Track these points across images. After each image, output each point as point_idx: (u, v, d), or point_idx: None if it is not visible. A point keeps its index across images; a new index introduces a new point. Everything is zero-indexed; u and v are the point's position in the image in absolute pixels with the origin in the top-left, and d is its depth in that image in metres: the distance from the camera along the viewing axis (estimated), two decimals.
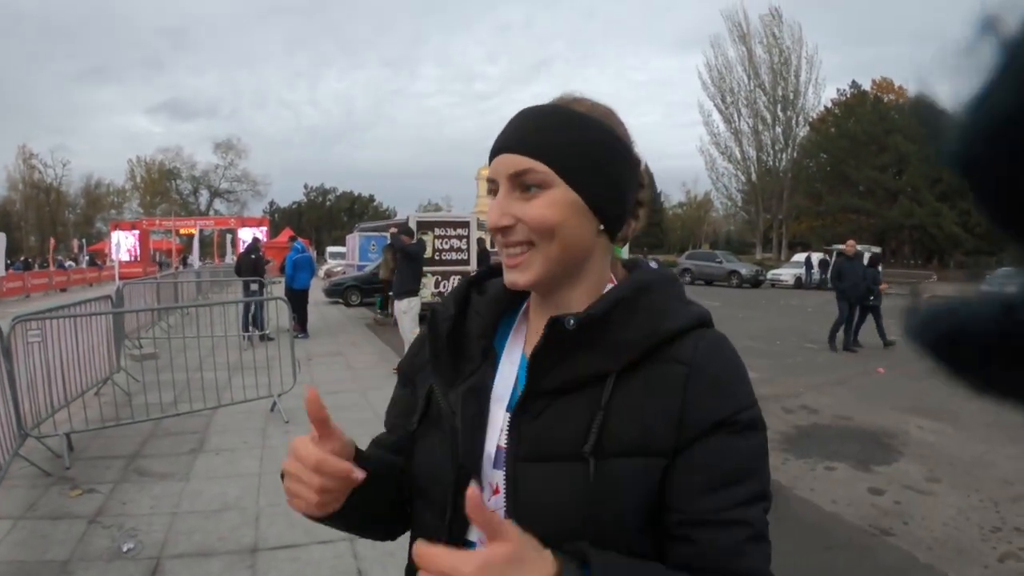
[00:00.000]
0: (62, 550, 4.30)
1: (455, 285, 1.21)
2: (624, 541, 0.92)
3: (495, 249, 1.07)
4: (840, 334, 13.84)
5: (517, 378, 1.06)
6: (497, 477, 1.01)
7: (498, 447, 1.02)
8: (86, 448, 6.29)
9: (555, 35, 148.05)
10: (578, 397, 0.97)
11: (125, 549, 4.29)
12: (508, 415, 1.02)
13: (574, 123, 0.99)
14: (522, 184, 0.98)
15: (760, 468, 0.96)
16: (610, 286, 1.06)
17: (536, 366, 0.99)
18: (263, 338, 10.84)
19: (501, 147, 1.00)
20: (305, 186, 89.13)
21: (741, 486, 0.92)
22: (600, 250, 1.04)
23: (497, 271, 1.14)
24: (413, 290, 10.30)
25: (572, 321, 0.96)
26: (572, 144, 0.98)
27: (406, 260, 10.48)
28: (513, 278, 1.01)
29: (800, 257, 39.87)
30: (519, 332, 1.13)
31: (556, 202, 0.97)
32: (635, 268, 1.11)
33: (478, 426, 1.04)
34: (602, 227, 1.02)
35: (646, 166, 1.08)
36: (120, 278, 25.34)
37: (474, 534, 1.01)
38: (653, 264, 1.15)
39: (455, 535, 1.01)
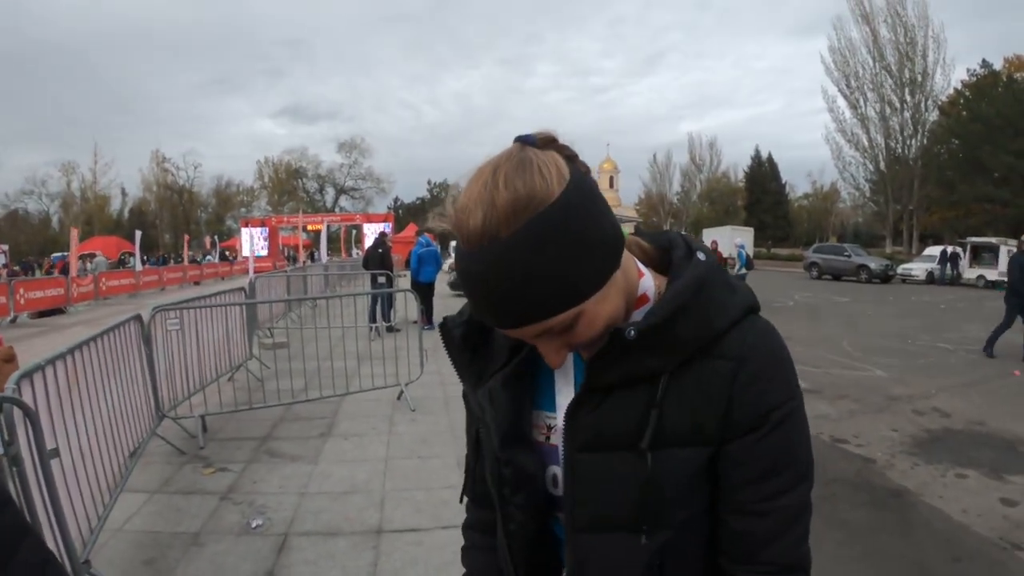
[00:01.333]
0: (194, 523, 4.57)
1: None
2: (672, 519, 0.99)
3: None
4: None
5: (570, 372, 1.08)
6: (552, 469, 1.08)
7: (545, 440, 1.09)
8: (220, 430, 6.64)
9: (669, 27, 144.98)
10: (633, 393, 0.98)
11: (254, 525, 4.51)
12: (565, 409, 1.03)
13: (537, 267, 0.85)
14: (547, 337, 0.93)
15: (798, 455, 1.00)
16: (646, 276, 1.05)
17: (594, 368, 0.97)
18: (390, 329, 11.12)
19: (501, 328, 0.93)
20: (428, 182, 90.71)
21: (780, 476, 0.98)
22: (623, 269, 0.97)
23: None
24: None
25: (632, 332, 0.93)
26: (554, 284, 0.86)
27: None
28: (560, 360, 0.98)
29: (933, 251, 37.89)
30: None
31: (597, 317, 0.92)
32: (671, 249, 1.09)
33: (515, 420, 1.08)
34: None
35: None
36: (253, 272, 26.56)
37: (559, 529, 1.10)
38: (681, 235, 1.12)
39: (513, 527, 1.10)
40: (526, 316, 0.88)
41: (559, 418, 1.05)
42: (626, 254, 0.99)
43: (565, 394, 1.06)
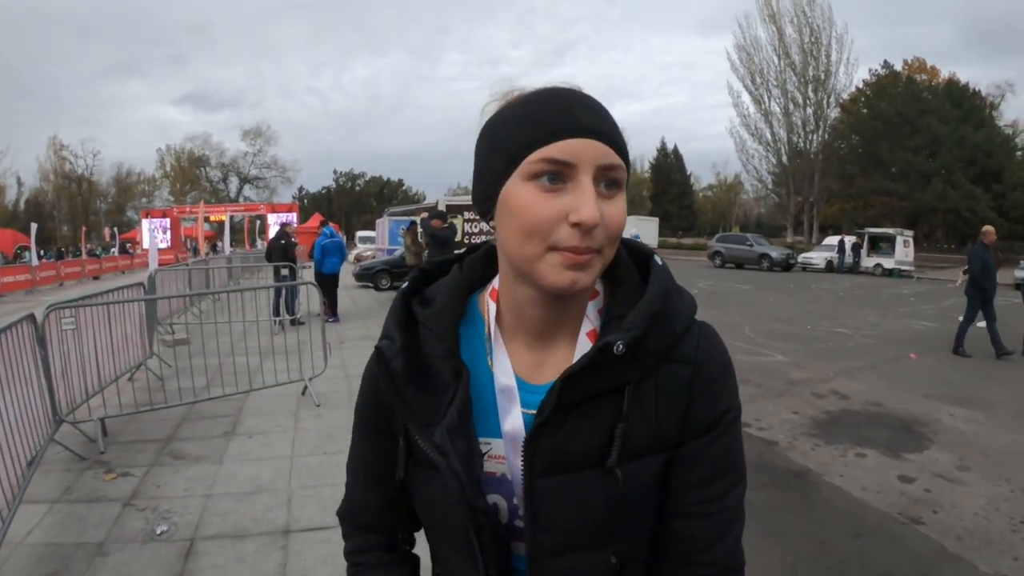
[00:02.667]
0: (97, 532, 4.38)
1: (391, 303, 1.07)
2: (641, 534, 0.98)
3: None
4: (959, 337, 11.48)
5: (515, 393, 0.99)
6: (506, 500, 1.00)
7: (496, 472, 1.00)
8: (120, 433, 6.40)
9: (577, 19, 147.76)
10: (596, 407, 0.94)
11: (159, 531, 4.37)
12: (511, 433, 0.97)
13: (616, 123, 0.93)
14: (605, 179, 0.89)
15: (740, 454, 1.02)
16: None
17: (569, 385, 0.91)
18: (294, 323, 10.93)
19: (588, 131, 0.88)
20: (334, 171, 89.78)
21: (725, 478, 0.99)
22: None
23: (431, 273, 1.11)
24: None
25: (621, 347, 0.89)
26: (627, 145, 0.94)
27: (437, 245, 10.50)
28: (576, 278, 0.88)
29: (832, 240, 39.46)
30: (496, 338, 1.02)
31: (625, 207, 0.92)
32: (629, 253, 1.05)
33: (474, 457, 0.97)
34: None
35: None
36: (156, 265, 25.71)
37: (517, 560, 1.01)
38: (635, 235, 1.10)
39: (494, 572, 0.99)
40: (619, 142, 0.90)
41: (502, 444, 0.98)
42: None
43: (512, 416, 0.97)
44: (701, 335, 1.00)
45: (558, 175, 0.86)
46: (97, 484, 5.21)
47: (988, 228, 11.41)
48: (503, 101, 0.95)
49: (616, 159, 0.88)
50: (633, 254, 1.05)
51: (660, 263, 1.02)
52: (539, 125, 0.87)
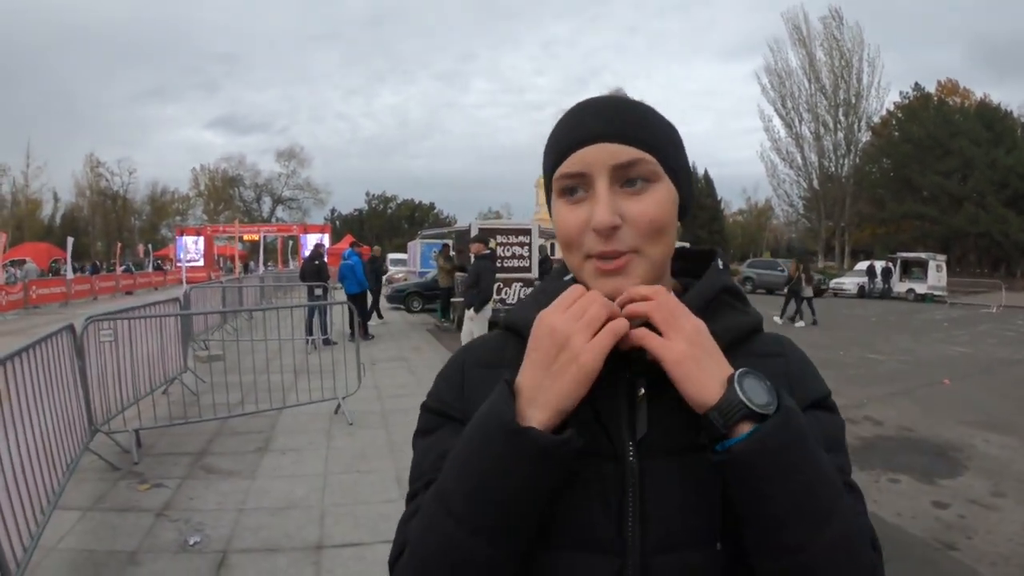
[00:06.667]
0: (130, 541, 4.44)
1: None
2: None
3: (557, 255, 0.98)
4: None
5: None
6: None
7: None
8: (154, 445, 6.48)
9: (600, 49, 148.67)
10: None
11: (192, 542, 4.42)
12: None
13: (656, 114, 0.95)
14: (626, 178, 0.89)
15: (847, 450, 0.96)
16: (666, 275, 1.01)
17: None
18: (327, 343, 11.02)
19: (596, 136, 0.89)
20: (367, 193, 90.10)
21: (845, 455, 0.93)
22: (671, 236, 0.95)
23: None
24: (487, 299, 10.38)
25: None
26: (667, 135, 0.94)
27: (490, 270, 10.59)
28: (615, 284, 0.88)
29: (863, 265, 39.13)
30: None
31: (666, 199, 0.91)
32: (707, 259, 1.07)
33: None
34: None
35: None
36: (186, 282, 25.98)
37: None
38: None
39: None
40: (642, 135, 0.90)
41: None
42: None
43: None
44: (780, 336, 1.03)
45: (579, 187, 0.90)
46: (131, 494, 5.29)
47: None
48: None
49: (632, 155, 0.88)
50: (699, 257, 1.08)
51: (719, 266, 1.03)
52: (558, 143, 0.93)
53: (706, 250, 1.06)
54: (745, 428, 0.79)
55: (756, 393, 0.80)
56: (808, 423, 0.84)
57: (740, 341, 0.96)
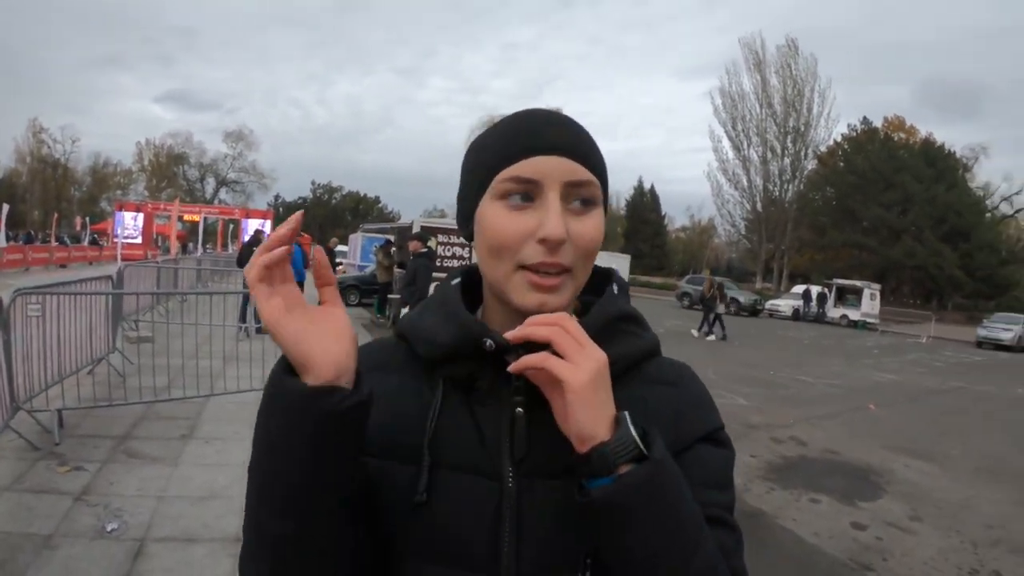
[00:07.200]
0: (46, 524, 4.31)
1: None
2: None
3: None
4: None
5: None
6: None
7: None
8: (76, 426, 6.30)
9: (561, 56, 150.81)
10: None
11: (109, 529, 4.31)
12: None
13: (594, 139, 0.94)
14: (574, 196, 0.88)
15: (733, 483, 0.98)
16: None
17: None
18: (259, 331, 10.83)
19: (554, 147, 0.88)
20: (312, 182, 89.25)
21: (727, 492, 0.94)
22: None
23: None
24: (423, 297, 10.38)
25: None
26: (605, 165, 0.94)
27: (427, 268, 10.55)
28: (543, 299, 0.87)
29: (799, 289, 40.02)
30: None
31: (601, 225, 0.91)
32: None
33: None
34: None
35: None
36: (121, 259, 25.36)
37: None
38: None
39: None
40: (592, 158, 0.90)
41: None
42: None
43: None
44: (680, 364, 1.02)
45: (526, 193, 0.87)
46: (50, 476, 5.13)
47: None
48: (486, 127, 0.97)
49: (586, 175, 0.88)
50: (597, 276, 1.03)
51: (615, 291, 1.00)
52: (507, 145, 0.89)
53: (604, 270, 1.04)
54: (624, 469, 0.79)
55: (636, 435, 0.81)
56: (690, 460, 0.89)
57: (634, 365, 0.96)
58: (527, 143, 0.88)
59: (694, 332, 21.34)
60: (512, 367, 0.83)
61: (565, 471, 0.85)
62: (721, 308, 21.29)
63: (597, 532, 0.82)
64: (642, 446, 0.80)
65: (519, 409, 0.88)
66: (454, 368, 0.91)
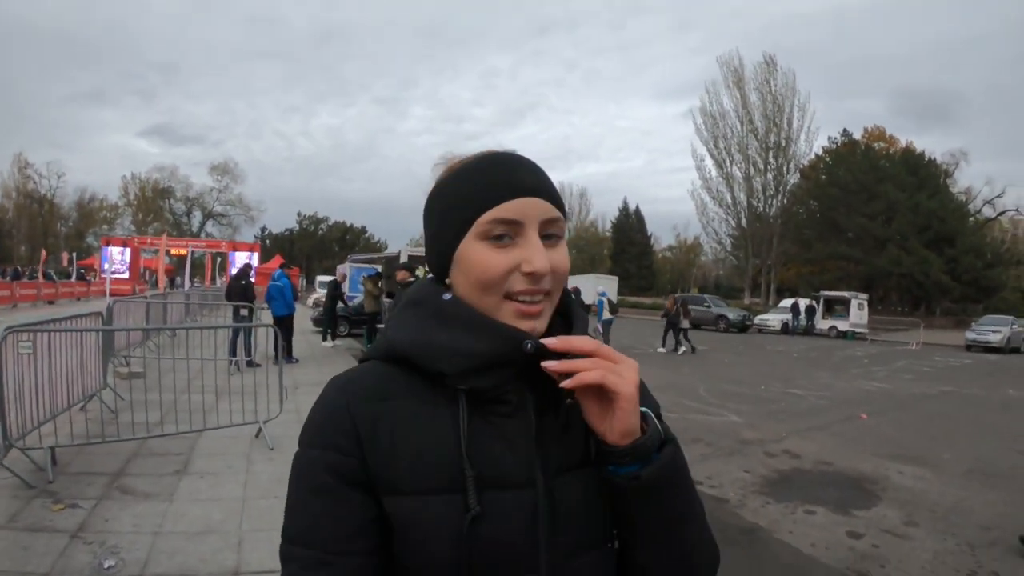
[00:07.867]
0: (43, 563, 4.27)
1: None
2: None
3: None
4: None
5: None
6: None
7: None
8: (70, 463, 6.27)
9: (539, 83, 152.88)
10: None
11: (107, 566, 4.28)
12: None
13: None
14: (546, 232, 0.99)
15: None
16: None
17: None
18: (250, 364, 10.81)
19: (531, 190, 0.98)
20: (299, 214, 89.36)
21: None
22: None
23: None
24: None
25: (530, 346, 0.95)
26: (561, 199, 1.06)
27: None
28: (532, 326, 0.97)
29: (787, 303, 40.16)
30: None
31: (567, 253, 1.04)
32: None
33: None
34: None
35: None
36: (110, 294, 25.21)
37: None
38: None
39: None
40: (558, 198, 1.03)
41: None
42: None
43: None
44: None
45: (507, 233, 0.97)
46: (44, 514, 5.09)
47: None
48: (446, 167, 1.07)
49: (556, 213, 1.00)
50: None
51: (582, 314, 1.10)
52: (488, 189, 0.98)
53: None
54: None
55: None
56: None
57: None
58: (507, 187, 0.98)
59: (660, 349, 22.15)
60: (568, 383, 0.92)
61: (581, 463, 1.00)
62: (686, 323, 22.07)
63: (629, 507, 0.96)
64: (665, 437, 0.98)
65: (554, 412, 1.00)
66: (481, 379, 0.96)
